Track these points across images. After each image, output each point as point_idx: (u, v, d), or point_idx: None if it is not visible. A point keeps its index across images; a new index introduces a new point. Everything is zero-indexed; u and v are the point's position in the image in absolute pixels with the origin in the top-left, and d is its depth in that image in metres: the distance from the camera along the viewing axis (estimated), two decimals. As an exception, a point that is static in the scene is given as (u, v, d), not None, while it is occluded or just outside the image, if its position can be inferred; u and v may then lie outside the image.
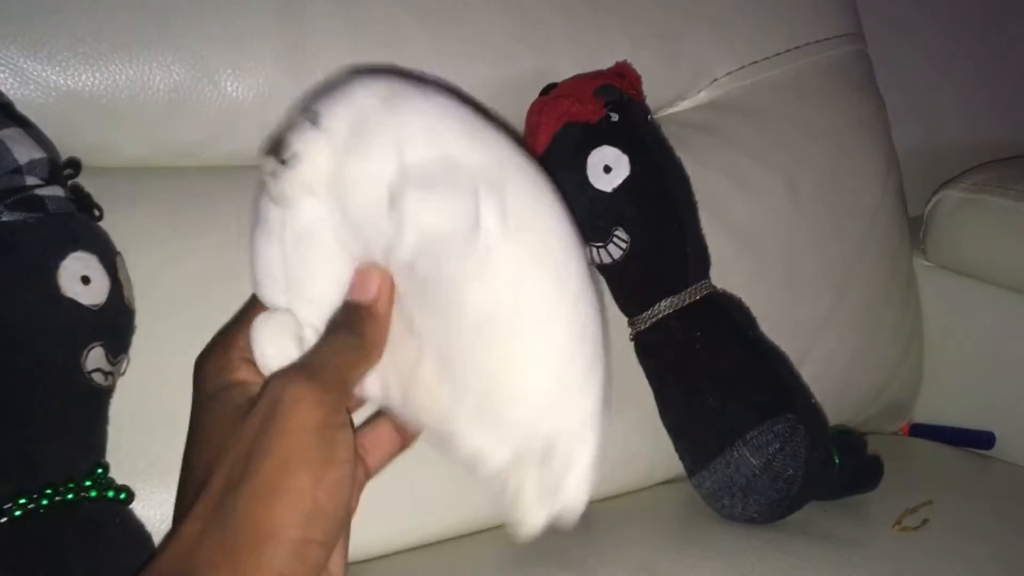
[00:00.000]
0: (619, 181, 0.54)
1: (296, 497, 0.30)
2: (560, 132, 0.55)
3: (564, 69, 0.59)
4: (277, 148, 0.32)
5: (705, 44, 0.66)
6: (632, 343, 0.57)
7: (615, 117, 0.55)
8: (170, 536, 0.31)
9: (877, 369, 0.69)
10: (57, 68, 0.49)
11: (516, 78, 0.59)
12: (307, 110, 0.33)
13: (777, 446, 0.52)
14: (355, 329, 0.34)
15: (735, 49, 0.67)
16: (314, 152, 0.32)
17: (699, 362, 0.54)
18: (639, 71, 0.62)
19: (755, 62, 0.67)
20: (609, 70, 0.58)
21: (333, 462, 0.31)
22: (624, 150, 0.54)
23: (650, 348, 0.56)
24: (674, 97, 0.66)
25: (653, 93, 0.64)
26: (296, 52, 0.54)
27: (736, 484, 0.53)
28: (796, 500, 0.54)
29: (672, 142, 0.62)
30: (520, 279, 0.32)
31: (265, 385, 0.32)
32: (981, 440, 0.69)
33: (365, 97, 0.33)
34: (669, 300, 0.55)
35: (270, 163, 0.32)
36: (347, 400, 0.33)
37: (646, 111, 0.58)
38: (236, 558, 0.30)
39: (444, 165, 0.32)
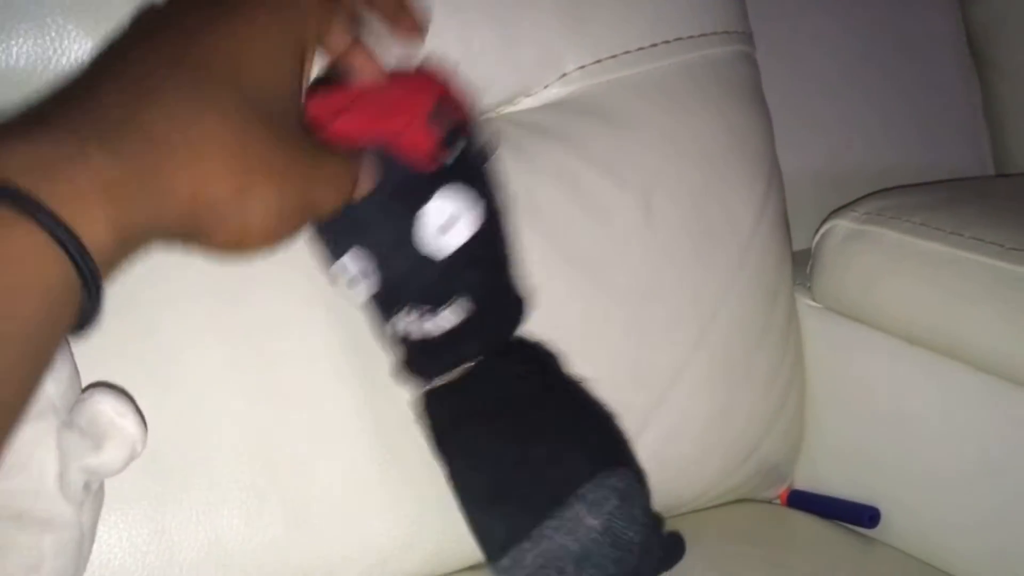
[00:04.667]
0: (460, 242, 0.42)
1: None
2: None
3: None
4: None
5: (551, 30, 0.54)
6: (417, 403, 0.45)
7: (454, 154, 0.42)
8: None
9: (744, 427, 0.58)
10: None
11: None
12: None
13: (616, 503, 0.42)
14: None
15: (589, 39, 0.55)
16: None
17: (521, 404, 0.43)
18: (470, 57, 0.52)
19: (614, 56, 0.56)
20: (437, 75, 0.44)
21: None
22: (467, 201, 0.42)
23: (450, 399, 0.44)
24: (514, 92, 0.54)
25: (487, 86, 0.53)
26: None
27: (569, 554, 0.41)
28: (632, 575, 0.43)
29: (507, 147, 0.52)
30: None
31: None
32: (864, 517, 0.58)
33: None
34: None
35: None
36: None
37: (481, 137, 0.45)
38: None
39: None
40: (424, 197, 0.41)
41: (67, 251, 0.25)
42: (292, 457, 0.44)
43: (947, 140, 0.81)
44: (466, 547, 0.47)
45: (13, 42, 0.41)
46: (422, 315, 0.42)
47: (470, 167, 0.43)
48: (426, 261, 0.41)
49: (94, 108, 0.28)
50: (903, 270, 0.56)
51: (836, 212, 0.62)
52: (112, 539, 0.40)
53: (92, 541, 0.37)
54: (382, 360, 0.46)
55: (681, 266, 0.55)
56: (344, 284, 0.43)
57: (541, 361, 0.46)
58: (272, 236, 0.32)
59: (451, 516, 0.46)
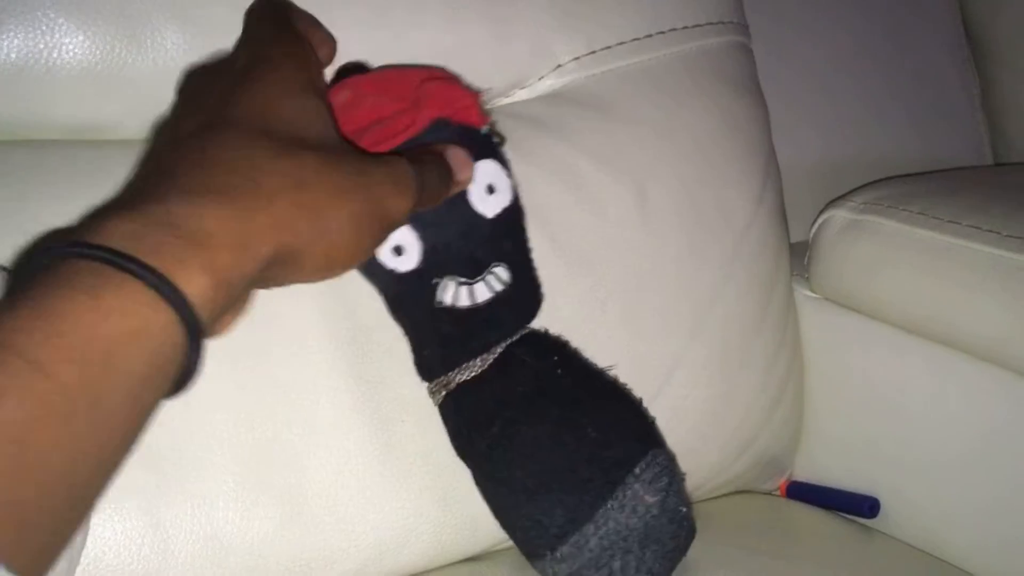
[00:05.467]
0: (502, 206, 0.44)
1: (351, 250, 0.34)
2: (431, 128, 0.42)
3: (353, 48, 0.47)
4: None
5: (545, 21, 0.54)
6: (443, 402, 0.45)
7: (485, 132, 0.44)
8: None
9: (742, 418, 0.57)
10: None
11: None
12: None
13: (667, 479, 0.44)
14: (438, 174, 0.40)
15: (584, 30, 0.55)
16: None
17: (558, 391, 0.44)
18: (462, 50, 0.52)
19: (609, 47, 0.56)
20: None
21: (374, 248, 0.37)
22: (502, 171, 0.44)
23: (480, 393, 0.44)
24: (508, 84, 0.54)
25: (481, 78, 0.53)
26: None
27: (634, 532, 0.42)
28: (683, 550, 0.45)
29: (501, 139, 0.52)
30: None
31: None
32: (864, 507, 0.58)
33: None
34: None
35: None
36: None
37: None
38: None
39: None
40: (476, 155, 0.43)
41: (167, 299, 0.27)
42: (288, 450, 0.43)
43: (945, 129, 0.80)
44: (464, 539, 0.47)
45: (4, 37, 0.41)
46: (461, 285, 0.43)
47: (495, 146, 0.45)
48: (477, 219, 0.43)
49: (164, 181, 0.31)
50: (901, 259, 0.56)
51: (833, 202, 0.62)
52: (106, 532, 0.40)
53: (85, 534, 0.37)
54: (378, 352, 0.46)
55: (677, 257, 0.55)
56: (378, 261, 0.43)
57: (560, 350, 0.47)
58: (357, 249, 0.35)
59: (449, 509, 0.46)
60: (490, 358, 0.45)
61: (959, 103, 0.81)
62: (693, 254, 0.55)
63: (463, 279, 0.43)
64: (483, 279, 0.43)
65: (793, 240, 0.64)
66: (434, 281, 0.43)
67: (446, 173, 0.40)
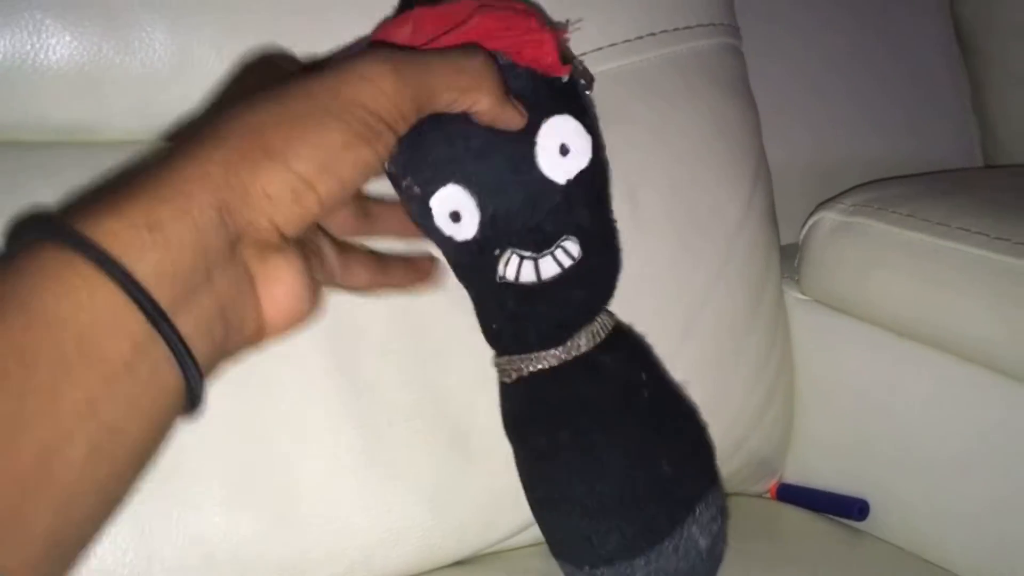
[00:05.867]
0: (577, 170, 0.38)
1: (321, 151, 0.31)
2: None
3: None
4: None
5: (536, 24, 0.54)
6: (513, 379, 0.41)
7: (566, 80, 0.38)
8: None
9: (733, 420, 0.57)
10: None
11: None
12: None
13: (720, 522, 0.43)
14: (477, 66, 0.35)
15: (575, 32, 0.55)
16: None
17: (647, 412, 0.42)
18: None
19: (600, 48, 0.56)
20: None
21: (365, 143, 0.32)
22: (579, 128, 0.38)
23: (562, 391, 0.41)
24: (499, 87, 0.54)
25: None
26: None
27: (678, 572, 0.41)
28: None
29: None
30: None
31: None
32: (853, 510, 0.58)
33: None
34: (585, 331, 0.41)
35: None
36: (408, 120, 0.33)
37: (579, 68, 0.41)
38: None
39: None
40: (545, 113, 0.37)
41: (74, 247, 0.27)
42: (277, 453, 0.43)
43: (935, 132, 0.80)
44: (452, 544, 0.47)
45: (-11, 39, 0.41)
46: (525, 259, 0.38)
47: (576, 97, 0.39)
48: (545, 185, 0.38)
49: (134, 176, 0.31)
50: (890, 261, 0.56)
51: (824, 204, 0.62)
52: (92, 537, 0.40)
53: None
54: (371, 355, 0.45)
55: (668, 259, 0.55)
56: (436, 227, 0.38)
57: (648, 363, 0.44)
58: (331, 150, 0.31)
59: (438, 513, 0.46)
60: (572, 353, 0.40)
61: (950, 105, 0.81)
62: (684, 256, 0.55)
63: (527, 253, 0.38)
64: (551, 253, 0.38)
65: (784, 242, 0.64)
66: (495, 253, 0.38)
67: (483, 66, 0.35)
